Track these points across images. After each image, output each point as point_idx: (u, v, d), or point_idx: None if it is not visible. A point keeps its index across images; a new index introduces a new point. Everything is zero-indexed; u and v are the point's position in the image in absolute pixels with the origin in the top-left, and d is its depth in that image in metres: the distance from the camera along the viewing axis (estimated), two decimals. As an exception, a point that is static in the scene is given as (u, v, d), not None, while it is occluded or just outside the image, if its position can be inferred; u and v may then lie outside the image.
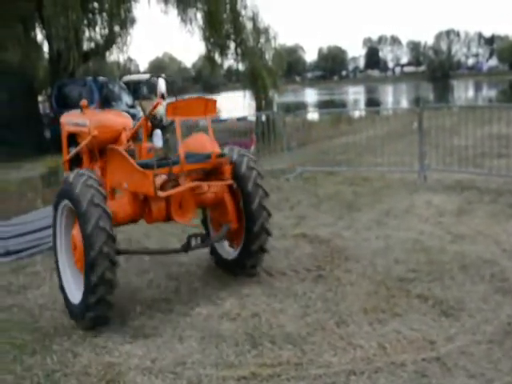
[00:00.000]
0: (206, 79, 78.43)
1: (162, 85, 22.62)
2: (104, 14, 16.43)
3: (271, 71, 18.91)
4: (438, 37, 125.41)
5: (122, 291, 5.09)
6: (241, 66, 19.63)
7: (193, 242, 4.95)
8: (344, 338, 4.01)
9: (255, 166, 5.07)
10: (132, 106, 18.21)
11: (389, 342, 3.92)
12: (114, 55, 18.21)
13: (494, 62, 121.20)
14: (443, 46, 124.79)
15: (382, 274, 5.18)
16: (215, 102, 5.04)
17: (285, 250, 5.98)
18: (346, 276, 5.17)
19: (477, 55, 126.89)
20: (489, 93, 62.66)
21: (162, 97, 23.05)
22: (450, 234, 6.31)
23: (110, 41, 17.46)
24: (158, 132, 5.20)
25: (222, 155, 4.92)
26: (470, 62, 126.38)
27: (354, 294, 4.74)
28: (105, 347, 4.11)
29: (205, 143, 5.08)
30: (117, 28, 17.11)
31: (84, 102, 5.71)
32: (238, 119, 12.11)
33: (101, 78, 17.61)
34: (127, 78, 22.63)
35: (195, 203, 4.90)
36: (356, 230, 6.62)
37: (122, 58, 18.54)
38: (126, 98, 18.03)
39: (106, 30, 17.06)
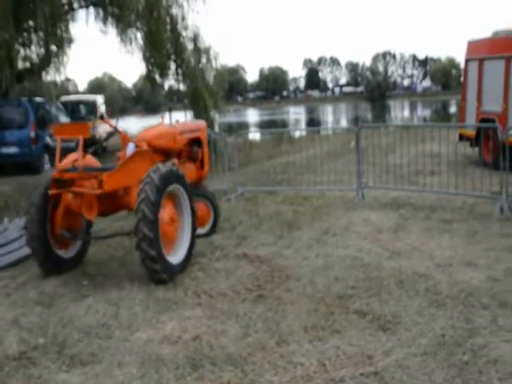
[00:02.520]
0: (146, 99, 77.89)
1: (101, 105, 22.39)
2: (40, 33, 16.09)
3: (212, 91, 19.00)
4: (375, 58, 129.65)
5: (58, 318, 4.97)
6: (182, 87, 19.66)
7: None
8: (284, 357, 4.04)
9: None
10: (70, 127, 17.85)
11: (328, 359, 3.97)
12: (51, 75, 17.80)
13: (427, 83, 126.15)
14: (380, 67, 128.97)
15: (321, 291, 5.25)
16: (88, 125, 6.26)
17: (226, 270, 5.98)
18: (286, 295, 5.22)
19: (411, 76, 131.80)
20: (423, 112, 65.14)
21: (102, 117, 22.78)
22: (387, 250, 6.49)
23: (46, 60, 17.06)
24: (130, 145, 6.34)
25: (104, 169, 5.95)
26: (406, 82, 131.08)
27: (294, 313, 4.79)
28: (39, 377, 3.97)
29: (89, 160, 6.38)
30: (53, 47, 16.76)
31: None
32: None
33: (37, 99, 17.19)
34: (65, 98, 22.22)
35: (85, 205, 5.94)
36: (296, 248, 6.70)
37: (59, 78, 18.14)
38: (64, 119, 17.66)
39: (42, 50, 16.69)
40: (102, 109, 22.26)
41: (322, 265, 6.02)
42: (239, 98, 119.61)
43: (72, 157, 6.39)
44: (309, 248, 6.70)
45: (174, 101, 25.22)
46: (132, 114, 77.88)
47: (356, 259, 6.14)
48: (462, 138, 13.25)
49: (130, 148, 6.29)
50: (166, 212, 5.89)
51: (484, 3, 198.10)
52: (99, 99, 22.63)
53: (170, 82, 20.34)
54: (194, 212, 6.32)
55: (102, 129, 21.31)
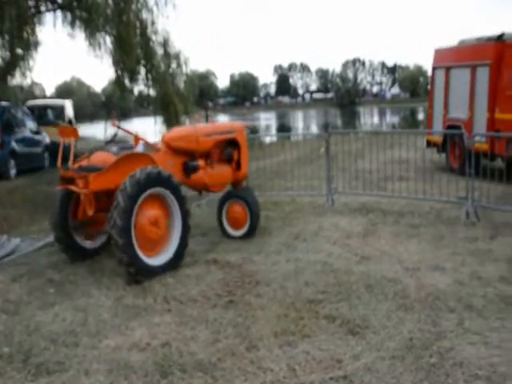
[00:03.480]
0: (116, 104, 77.21)
1: (69, 110, 22.06)
2: (5, 36, 15.79)
3: (183, 97, 18.92)
4: (345, 65, 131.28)
5: (24, 326, 4.86)
6: (152, 92, 19.51)
7: None
8: (254, 363, 4.04)
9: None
10: (37, 132, 17.56)
11: (298, 364, 3.98)
12: (17, 79, 17.47)
13: (396, 90, 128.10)
14: (350, 74, 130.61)
15: (291, 296, 5.27)
16: (76, 129, 7.06)
17: (196, 276, 5.95)
18: (256, 300, 5.22)
19: (380, 83, 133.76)
20: (392, 119, 66.05)
21: (70, 122, 22.50)
22: (357, 255, 6.55)
23: (11, 64, 16.76)
24: (140, 146, 6.81)
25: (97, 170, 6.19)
26: (375, 89, 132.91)
27: (264, 318, 4.79)
28: (4, 387, 3.88)
29: (105, 159, 6.55)
30: (19, 51, 16.48)
31: None
32: (93, 151, 11.87)
33: (2, 103, 16.86)
34: (32, 102, 21.84)
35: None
36: (266, 254, 6.71)
37: (25, 82, 17.85)
38: (31, 124, 17.36)
39: (8, 53, 16.39)
40: (70, 114, 21.93)
41: (292, 270, 6.04)
42: (210, 104, 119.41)
43: (98, 156, 6.71)
44: (279, 253, 6.72)
45: (144, 106, 25.03)
46: (102, 119, 77.07)
47: (326, 264, 6.18)
48: (429, 144, 13.50)
49: (140, 149, 6.72)
50: (145, 215, 6.02)
51: (451, 13, 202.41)
52: (67, 104, 22.30)
53: (139, 87, 20.16)
54: (185, 213, 6.35)
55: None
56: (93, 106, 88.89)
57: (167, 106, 18.11)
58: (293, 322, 4.68)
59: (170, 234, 6.30)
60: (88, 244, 6.94)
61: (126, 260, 5.74)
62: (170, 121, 17.84)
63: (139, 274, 5.82)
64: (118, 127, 6.55)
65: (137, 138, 6.98)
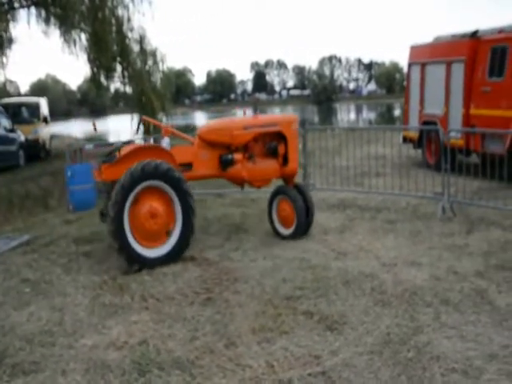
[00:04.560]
0: (92, 102, 76.37)
1: (44, 108, 21.75)
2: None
3: (159, 94, 18.83)
4: (322, 62, 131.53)
5: (-2, 327, 4.78)
6: (128, 89, 19.36)
7: None
8: (233, 360, 4.03)
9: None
10: (11, 130, 17.28)
11: (276, 360, 3.98)
12: (-9, 77, 17.24)
13: (372, 86, 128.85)
14: (326, 70, 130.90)
15: (269, 293, 5.26)
16: None
17: (173, 274, 5.92)
18: (234, 297, 5.20)
19: (357, 80, 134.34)
20: (368, 115, 66.49)
21: (45, 120, 22.18)
22: (334, 251, 6.57)
23: (-16, 61, 16.52)
24: (165, 139, 6.92)
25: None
26: (351, 86, 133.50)
27: (242, 315, 4.78)
28: (-22, 389, 3.82)
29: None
30: (-8, 48, 16.23)
31: None
32: (124, 143, 11.85)
33: (-25, 101, 16.57)
34: (6, 100, 21.49)
35: None
36: (244, 251, 6.70)
37: (-2, 80, 17.59)
38: (5, 122, 17.07)
39: (-20, 50, 16.15)
40: (45, 111, 21.63)
41: (269, 266, 6.04)
42: (187, 101, 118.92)
43: (126, 148, 6.70)
44: (257, 250, 6.71)
45: (120, 104, 24.81)
46: (78, 116, 76.19)
47: (303, 260, 6.19)
48: (405, 140, 13.60)
49: (165, 142, 6.83)
50: (142, 208, 6.16)
51: (426, 10, 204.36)
52: (42, 102, 21.98)
53: (115, 85, 20.02)
54: (187, 209, 6.28)
55: (45, 132, 20.74)
56: (68, 104, 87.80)
57: (144, 104, 18.01)
58: (271, 318, 4.68)
59: (172, 228, 6.31)
60: None
61: (116, 246, 6.02)
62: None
63: (130, 262, 6.04)
64: (147, 120, 7.07)
65: (166, 130, 7.07)
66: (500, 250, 6.35)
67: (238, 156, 6.96)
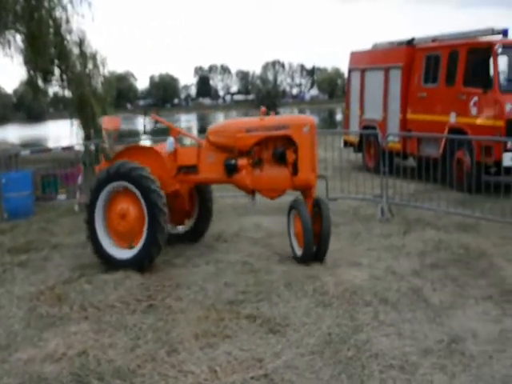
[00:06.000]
0: (29, 106, 74.01)
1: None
2: None
3: (100, 98, 18.44)
4: (265, 67, 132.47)
5: None
6: (67, 93, 18.90)
7: None
8: (175, 366, 3.98)
9: None
10: None
11: (219, 365, 3.97)
12: None
13: (315, 91, 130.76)
14: (270, 75, 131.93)
15: (212, 298, 5.25)
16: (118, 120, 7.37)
17: (114, 281, 5.78)
18: (177, 304, 5.15)
19: (300, 85, 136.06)
20: (311, 120, 67.21)
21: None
22: (278, 254, 6.61)
23: None
24: (170, 139, 6.58)
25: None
26: (294, 91, 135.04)
27: (185, 321, 4.74)
28: None
29: None
30: None
31: None
32: (64, 148, 11.59)
33: None
34: None
35: None
36: (187, 256, 6.65)
37: None
38: None
39: None
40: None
41: (212, 271, 6.02)
42: (129, 106, 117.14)
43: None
44: (200, 255, 6.67)
45: (59, 108, 24.20)
46: (14, 122, 73.76)
47: (246, 264, 6.20)
48: (346, 144, 13.90)
49: (169, 142, 6.61)
50: (114, 209, 6.21)
51: (365, 17, 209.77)
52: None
53: (54, 89, 19.52)
54: (152, 208, 5.96)
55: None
56: (3, 108, 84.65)
57: (84, 108, 17.60)
58: (213, 323, 4.66)
59: (144, 228, 6.08)
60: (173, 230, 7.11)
61: (92, 249, 6.24)
62: (87, 123, 17.34)
63: (105, 264, 6.17)
64: (157, 120, 7.10)
65: (174, 131, 6.91)
66: (434, 249, 6.59)
67: (241, 161, 6.24)
